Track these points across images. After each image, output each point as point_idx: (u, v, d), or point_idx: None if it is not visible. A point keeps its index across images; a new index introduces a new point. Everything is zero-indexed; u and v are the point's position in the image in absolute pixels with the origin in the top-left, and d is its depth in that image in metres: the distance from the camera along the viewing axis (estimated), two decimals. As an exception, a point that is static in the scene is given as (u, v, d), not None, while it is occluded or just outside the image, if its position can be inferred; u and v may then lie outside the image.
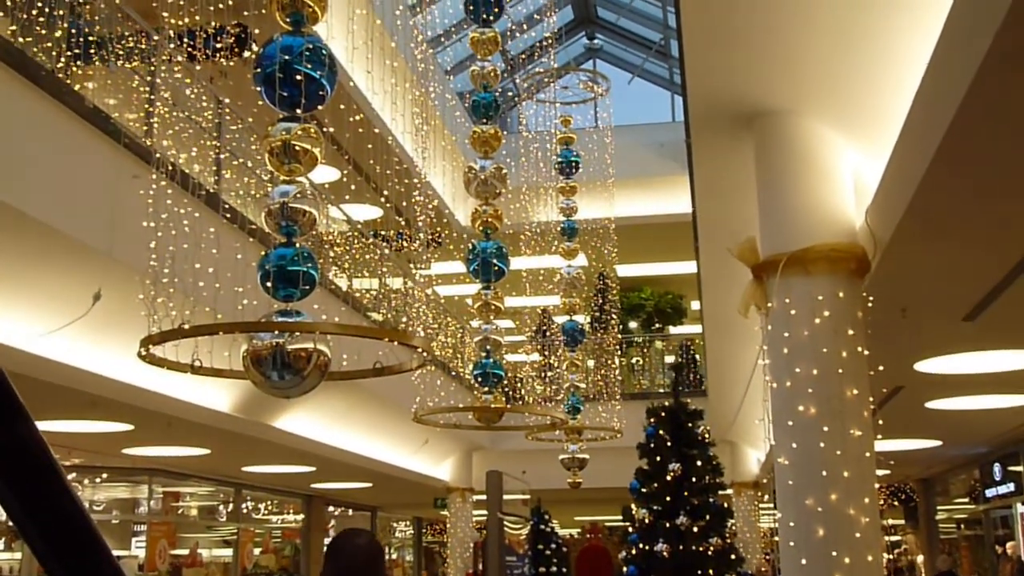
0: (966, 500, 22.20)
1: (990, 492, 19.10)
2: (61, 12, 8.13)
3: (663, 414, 14.53)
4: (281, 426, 14.02)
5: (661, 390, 22.40)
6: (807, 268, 7.91)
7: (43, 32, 8.04)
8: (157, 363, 3.99)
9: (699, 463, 14.06)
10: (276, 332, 3.72)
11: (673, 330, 25.69)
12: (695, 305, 22.36)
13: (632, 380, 23.99)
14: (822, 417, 7.67)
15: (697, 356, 23.15)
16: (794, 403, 7.79)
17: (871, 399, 7.88)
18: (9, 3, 7.78)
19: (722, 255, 9.29)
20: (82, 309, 8.16)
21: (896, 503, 25.21)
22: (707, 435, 14.63)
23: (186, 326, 3.81)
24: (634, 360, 24.52)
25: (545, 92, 11.68)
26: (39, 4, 7.88)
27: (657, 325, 25.53)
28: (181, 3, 5.40)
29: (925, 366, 10.95)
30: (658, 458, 14.20)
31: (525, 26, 11.68)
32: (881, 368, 8.09)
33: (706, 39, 7.86)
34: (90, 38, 8.83)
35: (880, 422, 8.11)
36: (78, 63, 8.64)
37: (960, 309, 8.82)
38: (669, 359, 24.14)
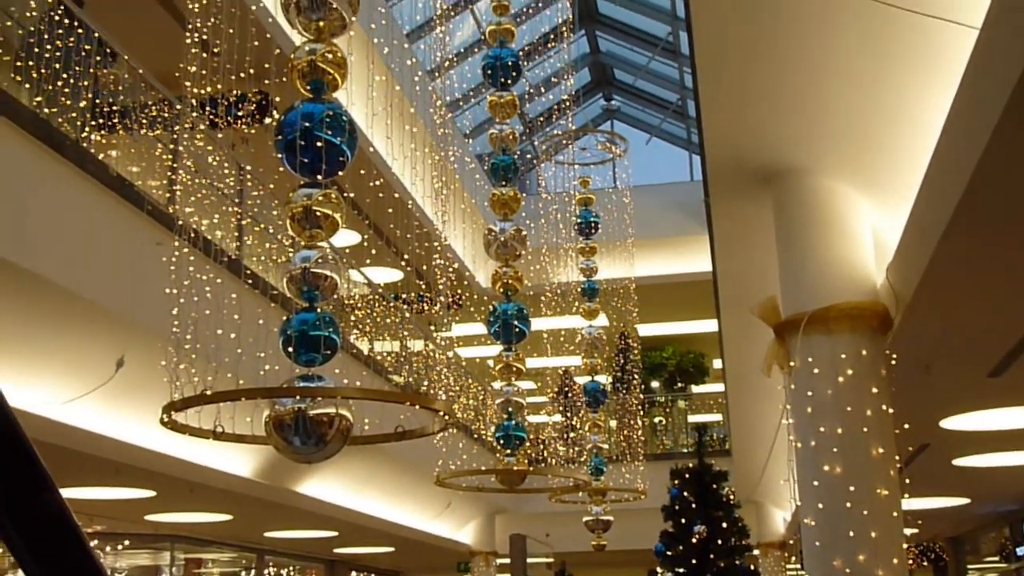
0: (997, 559, 21.83)
1: (1021, 550, 18.79)
2: (86, 83, 8.25)
3: (687, 476, 14.41)
4: (303, 491, 13.96)
5: (684, 449, 22.23)
6: (829, 327, 7.88)
7: (68, 103, 8.16)
8: (180, 429, 3.99)
9: (725, 525, 13.91)
10: (298, 397, 3.72)
11: (696, 389, 25.54)
12: (717, 364, 22.25)
13: (655, 440, 23.82)
14: (848, 476, 7.60)
15: (720, 416, 23.01)
16: (819, 462, 7.71)
17: (897, 457, 7.80)
18: (35, 75, 7.91)
19: (743, 314, 9.27)
20: (105, 376, 8.19)
21: (925, 563, 24.80)
22: (732, 496, 14.49)
23: (208, 392, 3.81)
24: (657, 420, 24.37)
25: (564, 153, 11.75)
26: (64, 75, 8.01)
27: (679, 384, 25.39)
28: (203, 72, 5.48)
29: (951, 423, 10.84)
30: (683, 520, 14.06)
31: (543, 88, 11.80)
32: (906, 426, 8.01)
33: (722, 99, 7.91)
34: (114, 107, 8.95)
35: (907, 480, 8.02)
36: (102, 132, 8.76)
37: (985, 365, 8.74)
38: (692, 418, 23.99)
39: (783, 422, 8.70)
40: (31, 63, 7.85)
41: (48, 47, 7.92)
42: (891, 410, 7.80)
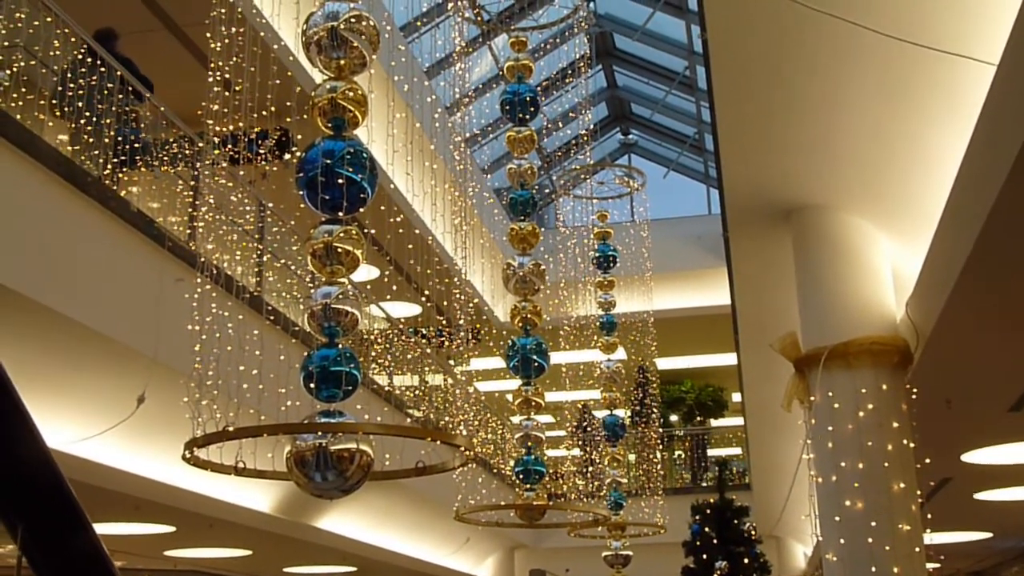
0: (1020, 594, 21.56)
1: (1046, 586, 18.56)
2: (108, 120, 8.32)
3: (708, 511, 14.32)
4: (323, 526, 13.92)
5: (704, 484, 22.09)
6: (849, 361, 7.85)
7: (91, 140, 8.23)
8: (201, 465, 3.99)
9: (746, 561, 13.81)
10: (319, 433, 3.72)
11: (715, 423, 25.42)
12: (736, 397, 22.15)
13: (674, 474, 23.69)
14: (869, 512, 7.54)
15: (740, 450, 22.88)
16: (841, 498, 7.66)
17: (919, 492, 7.74)
18: (58, 113, 7.99)
19: (763, 348, 9.24)
20: (126, 412, 8.21)
21: (949, 598, 24.53)
22: (753, 531, 14.38)
23: (230, 428, 3.82)
24: (676, 454, 24.24)
25: (581, 188, 11.77)
26: (87, 113, 8.08)
27: (699, 418, 25.28)
28: (225, 109, 5.52)
29: (973, 457, 10.75)
30: (704, 556, 13.96)
31: (560, 123, 11.83)
32: (928, 460, 7.96)
33: (740, 134, 7.93)
34: (135, 144, 9.02)
35: (929, 515, 7.95)
36: (124, 169, 8.82)
37: (1006, 399, 8.68)
38: (712, 452, 23.86)
39: (804, 457, 8.66)
40: (61, 101, 7.94)
41: (72, 85, 8.01)
42: (912, 444, 7.75)
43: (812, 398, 8.08)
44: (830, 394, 7.90)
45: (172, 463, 7.18)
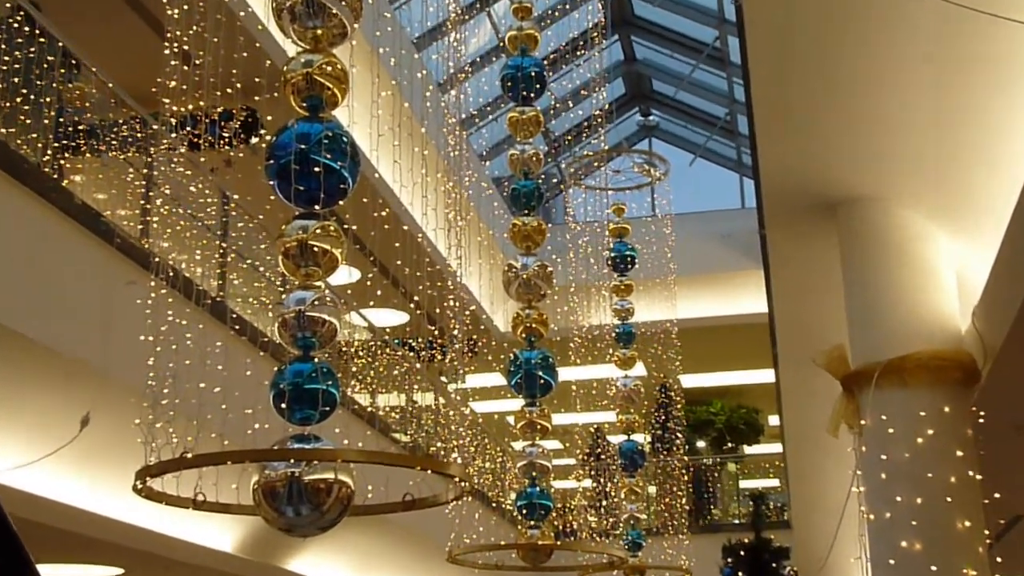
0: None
1: None
2: (48, 99, 8.33)
3: (742, 552, 14.32)
4: (295, 568, 13.92)
5: (736, 521, 22.08)
6: (905, 379, 7.85)
7: (27, 121, 8.24)
8: (155, 498, 4.00)
9: (786, 610, 13.82)
10: (292, 461, 3.73)
11: (748, 450, 25.42)
12: (774, 420, 22.13)
13: (702, 509, 23.69)
14: (929, 554, 7.54)
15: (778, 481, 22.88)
16: (895, 538, 7.66)
17: (986, 532, 7.74)
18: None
19: (805, 363, 9.24)
20: (68, 436, 8.21)
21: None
22: (794, 576, 14.40)
23: (189, 455, 3.83)
24: (704, 486, 24.23)
25: (595, 177, 11.79)
26: (23, 91, 8.09)
27: (730, 444, 25.27)
28: (183, 87, 5.54)
29: (1049, 491, 10.75)
30: (737, 604, 13.97)
31: (570, 102, 11.85)
32: (997, 495, 7.95)
33: (779, 114, 7.94)
34: (79, 127, 9.03)
35: (998, 559, 7.96)
36: (66, 155, 8.83)
37: (1088, 424, 8.69)
38: (746, 484, 23.85)
39: (853, 490, 8.66)
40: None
41: (5, 58, 8.02)
42: (979, 476, 7.75)
43: (862, 422, 8.08)
44: (883, 417, 7.90)
45: (122, 495, 7.17)
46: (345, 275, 14.24)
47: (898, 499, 7.71)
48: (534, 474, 6.69)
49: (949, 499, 7.62)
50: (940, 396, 7.82)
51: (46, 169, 8.18)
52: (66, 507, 9.44)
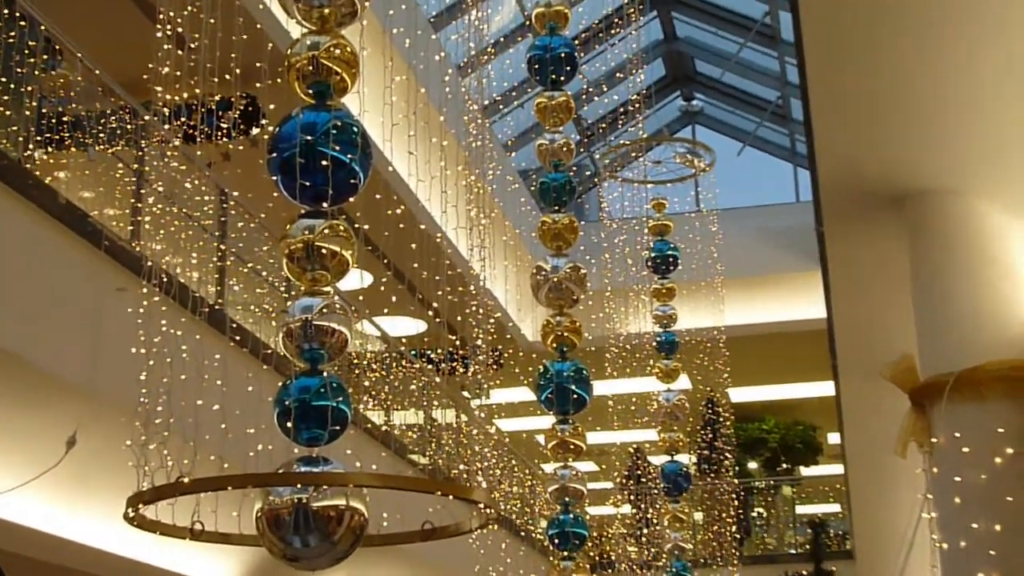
0: None
1: None
2: (29, 88, 8.38)
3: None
4: (302, 605, 13.94)
5: (793, 551, 22.03)
6: (981, 392, 7.80)
7: (7, 113, 8.29)
8: (148, 527, 4.01)
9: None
10: (299, 486, 3.73)
11: (805, 471, 25.35)
12: (834, 439, 22.05)
13: (755, 538, 23.65)
14: (1010, 587, 7.50)
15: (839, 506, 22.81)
16: (971, 569, 7.62)
17: (1074, 561, 7.69)
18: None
19: (869, 374, 9.21)
20: (52, 459, 8.24)
21: None
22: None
23: (185, 479, 3.83)
24: (756, 512, 24.20)
25: (632, 169, 11.79)
26: (2, 80, 8.14)
27: (785, 465, 25.20)
28: (177, 73, 5.56)
29: None
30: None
31: (604, 86, 11.84)
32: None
33: (839, 97, 7.90)
34: (63, 118, 9.07)
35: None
36: (49, 149, 8.88)
37: None
38: (803, 510, 23.78)
39: (923, 516, 8.62)
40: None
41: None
42: (1065, 500, 7.70)
43: (934, 440, 8.04)
44: (957, 435, 7.85)
45: (112, 524, 7.20)
46: (356, 280, 14.25)
47: (974, 526, 7.67)
48: (567, 499, 6.70)
49: (1031, 525, 7.58)
50: (1020, 411, 7.78)
51: (26, 165, 8.22)
52: (50, 537, 9.48)
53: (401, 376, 14.28)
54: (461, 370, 17.11)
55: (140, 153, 9.42)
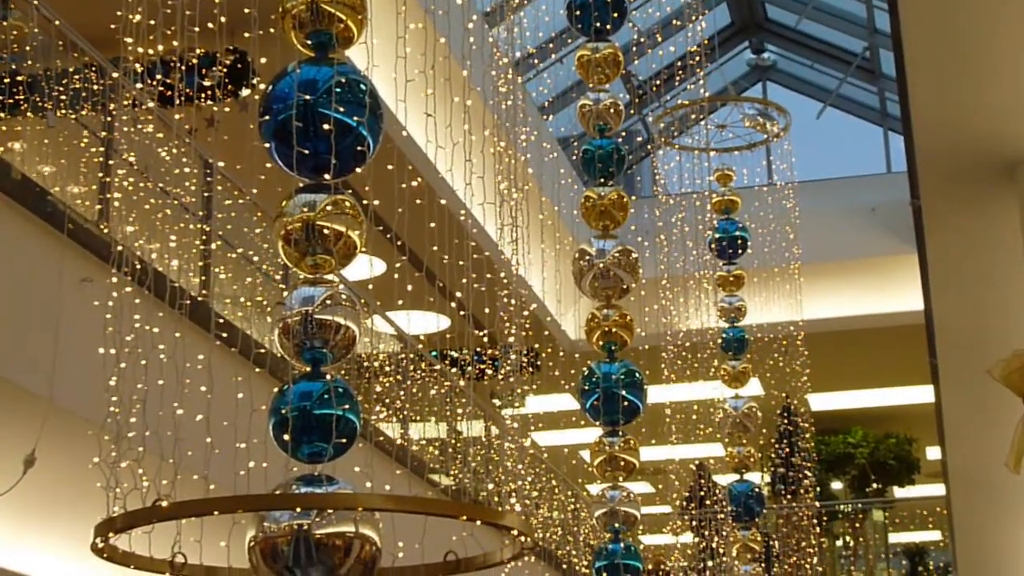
0: None
1: None
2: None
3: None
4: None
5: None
6: (1109, 394, 7.78)
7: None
8: (120, 560, 4.02)
9: None
10: (298, 510, 3.74)
11: (900, 492, 25.31)
12: (933, 454, 21.99)
13: (839, 571, 23.63)
14: None
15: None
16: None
17: None
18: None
19: (976, 376, 9.17)
20: (9, 481, 8.29)
21: None
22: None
23: (163, 503, 3.84)
24: (842, 540, 24.18)
25: (692, 135, 11.76)
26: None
27: (876, 486, 25.17)
28: (151, 23, 5.56)
29: None
30: None
31: (659, 36, 11.81)
32: None
33: (939, 50, 7.87)
34: (17, 78, 9.10)
35: None
36: (0, 115, 8.91)
37: None
38: (897, 538, 23.74)
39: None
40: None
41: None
42: None
43: (1053, 453, 8.02)
44: (1081, 447, 7.84)
45: (78, 555, 7.23)
46: (365, 267, 14.28)
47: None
48: (617, 526, 6.70)
49: None
50: None
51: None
52: (3, 573, 9.53)
53: (419, 381, 14.29)
54: (490, 374, 17.12)
55: (108, 119, 9.44)
